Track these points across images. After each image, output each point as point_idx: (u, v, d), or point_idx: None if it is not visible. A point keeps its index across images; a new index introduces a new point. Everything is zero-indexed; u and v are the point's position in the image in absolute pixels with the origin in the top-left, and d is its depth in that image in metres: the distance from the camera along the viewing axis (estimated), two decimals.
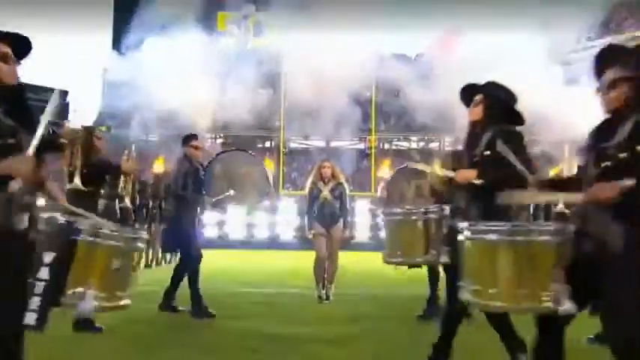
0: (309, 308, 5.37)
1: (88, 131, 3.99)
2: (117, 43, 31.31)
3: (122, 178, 4.81)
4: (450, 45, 30.22)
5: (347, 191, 5.71)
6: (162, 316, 4.75)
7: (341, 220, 5.59)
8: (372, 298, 6.24)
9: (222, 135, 31.87)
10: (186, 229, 4.74)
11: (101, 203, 3.98)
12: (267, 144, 32.13)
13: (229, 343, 3.75)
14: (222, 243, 15.83)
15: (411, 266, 3.92)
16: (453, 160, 3.05)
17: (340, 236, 5.60)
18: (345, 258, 5.82)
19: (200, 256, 4.92)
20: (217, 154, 5.39)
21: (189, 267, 4.79)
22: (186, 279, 4.80)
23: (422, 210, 3.03)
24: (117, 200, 5.13)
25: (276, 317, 4.80)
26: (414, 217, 3.01)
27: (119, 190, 4.94)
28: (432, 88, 31.82)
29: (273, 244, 16.06)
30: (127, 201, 5.30)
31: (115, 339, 3.79)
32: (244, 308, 5.27)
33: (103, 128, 27.50)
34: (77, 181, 3.70)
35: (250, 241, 16.31)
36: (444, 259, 2.85)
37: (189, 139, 4.94)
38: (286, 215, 16.57)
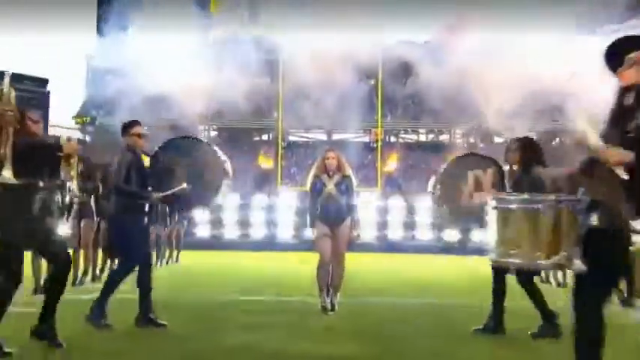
0: (312, 320, 5.06)
1: (21, 112, 3.52)
2: (101, 28, 31.06)
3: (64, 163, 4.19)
4: (458, 32, 29.94)
5: (355, 185, 5.40)
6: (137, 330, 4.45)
7: (348, 219, 5.27)
8: (386, 308, 5.93)
9: (215, 127, 31.81)
10: (129, 228, 4.37)
11: (38, 199, 3.43)
12: (265, 137, 31.89)
13: None
14: (215, 243, 15.57)
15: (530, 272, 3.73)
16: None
17: (347, 236, 5.28)
18: (349, 261, 5.47)
19: (148, 263, 4.58)
20: (165, 142, 5.04)
21: (123, 273, 4.41)
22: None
23: (552, 198, 2.59)
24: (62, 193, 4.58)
25: (274, 331, 4.51)
26: (538, 207, 2.58)
27: (63, 179, 4.36)
28: (442, 76, 31.59)
29: (271, 244, 15.83)
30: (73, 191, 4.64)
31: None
32: (236, 320, 4.97)
33: (87, 119, 27.31)
34: (6, 173, 3.21)
35: (245, 242, 16.01)
36: (579, 265, 2.40)
37: (130, 126, 4.54)
38: (285, 213, 16.21)
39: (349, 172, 5.36)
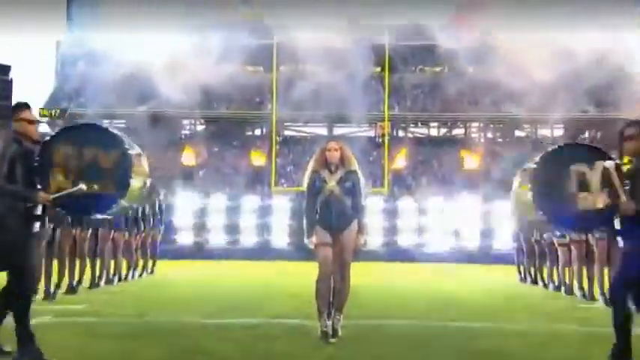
0: (310, 349, 4.45)
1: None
2: (72, 11, 30.65)
3: None
4: (468, 21, 29.72)
5: (362, 183, 4.87)
6: None
7: (354, 223, 4.77)
8: (401, 333, 5.31)
9: (202, 120, 31.42)
10: (14, 238, 3.77)
11: None
12: (258, 131, 31.56)
13: None
14: (200, 252, 15.06)
15: None
16: None
17: (353, 244, 4.79)
18: (353, 272, 4.89)
19: (31, 283, 4.03)
20: (60, 130, 4.69)
21: (20, 294, 3.80)
22: None
23: None
24: None
25: None
26: None
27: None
28: (458, 63, 31.17)
29: (263, 252, 15.44)
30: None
31: None
32: (218, 350, 4.33)
33: (57, 111, 26.89)
34: None
35: (234, 250, 15.49)
36: None
37: (18, 110, 4.02)
38: (280, 216, 15.77)
39: (355, 166, 4.87)
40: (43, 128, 29.54)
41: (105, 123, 29.87)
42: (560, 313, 6.52)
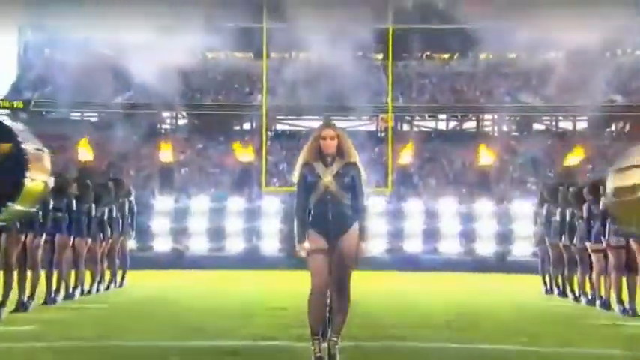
0: None
1: None
2: None
3: None
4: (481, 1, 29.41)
5: (363, 178, 4.48)
6: None
7: (354, 226, 4.37)
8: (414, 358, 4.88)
9: (184, 114, 31.06)
10: None
11: None
12: (247, 125, 31.24)
13: None
14: (179, 260, 14.74)
15: None
16: None
17: (354, 251, 4.37)
18: (353, 282, 4.46)
19: None
20: None
21: None
22: None
23: None
24: None
25: None
26: None
27: None
28: (470, 48, 30.77)
29: (251, 260, 15.06)
30: None
31: None
32: None
33: (19, 103, 26.47)
34: None
35: (219, 257, 15.14)
36: None
37: None
38: (270, 220, 15.33)
39: (356, 158, 4.48)
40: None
41: (75, 116, 29.82)
42: (600, 331, 6.08)
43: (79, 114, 29.22)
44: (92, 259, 8.51)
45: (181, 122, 30.87)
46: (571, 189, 8.47)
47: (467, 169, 25.26)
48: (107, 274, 9.38)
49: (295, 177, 4.49)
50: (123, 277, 9.88)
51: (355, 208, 4.40)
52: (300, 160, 4.47)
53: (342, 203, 4.36)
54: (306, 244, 4.35)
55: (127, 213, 9.51)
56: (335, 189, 4.35)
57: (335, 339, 4.36)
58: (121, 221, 9.33)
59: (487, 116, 30.49)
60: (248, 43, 28.99)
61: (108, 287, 9.32)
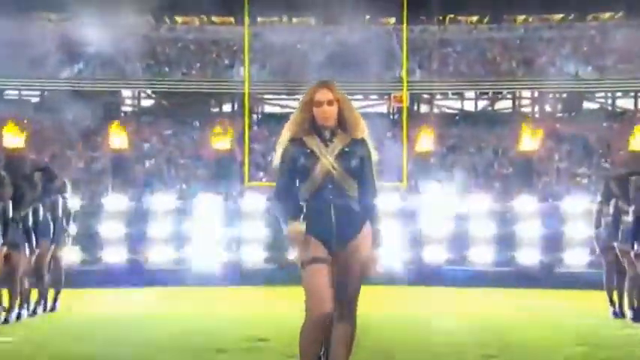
0: None
1: None
2: None
3: None
4: None
5: (374, 159, 4.05)
6: None
7: (366, 227, 3.95)
8: None
9: (152, 93, 30.93)
10: None
11: None
12: (227, 107, 31.18)
13: None
14: (136, 275, 14.24)
15: None
16: None
17: (365, 264, 3.96)
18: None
19: None
20: None
21: None
22: None
23: None
24: None
25: None
26: None
27: None
28: (500, 10, 30.51)
29: (231, 274, 14.49)
30: None
31: None
32: None
33: None
34: None
35: (185, 271, 14.68)
36: None
37: None
38: (254, 222, 14.80)
39: (364, 132, 4.01)
40: None
41: (10, 94, 29.50)
42: None
43: (15, 92, 29.05)
44: (9, 275, 7.93)
45: (145, 103, 30.66)
46: None
47: (501, 159, 25.02)
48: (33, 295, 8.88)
49: (277, 159, 3.99)
50: (55, 299, 9.37)
51: (365, 202, 3.96)
52: (285, 135, 3.96)
53: (348, 196, 3.90)
54: (301, 226, 3.84)
55: (59, 214, 8.91)
56: (339, 175, 3.86)
57: None
58: (52, 225, 8.77)
59: (525, 94, 30.48)
60: (228, 4, 28.80)
61: (34, 312, 8.80)
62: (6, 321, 7.94)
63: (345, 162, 3.87)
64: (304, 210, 3.91)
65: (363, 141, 3.95)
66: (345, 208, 3.89)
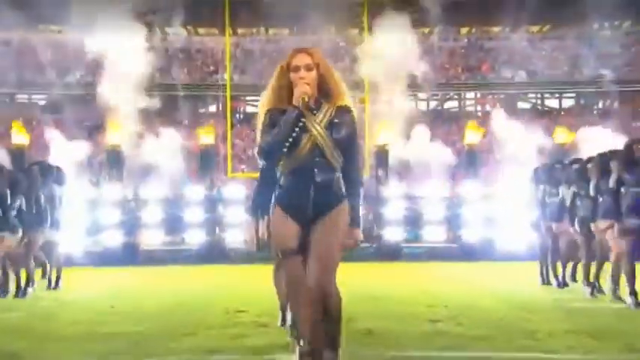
0: None
1: None
2: None
3: None
4: None
5: (356, 127, 3.30)
6: None
7: (344, 202, 3.19)
8: None
9: (147, 93, 30.04)
10: None
11: None
12: (212, 108, 30.34)
13: None
14: (131, 256, 13.82)
15: None
16: None
17: (342, 236, 3.21)
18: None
19: None
20: None
21: None
22: None
23: None
24: None
25: None
26: None
27: None
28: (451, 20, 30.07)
29: (215, 255, 14.20)
30: None
31: None
32: None
33: None
34: None
35: (178, 251, 14.19)
36: None
37: None
38: (235, 208, 14.55)
39: (348, 99, 3.28)
40: None
41: (21, 98, 28.65)
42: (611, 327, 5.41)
43: (25, 96, 28.19)
44: (12, 257, 7.69)
45: (138, 103, 29.81)
46: (575, 166, 7.94)
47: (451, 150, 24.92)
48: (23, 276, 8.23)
49: (259, 123, 3.21)
50: (58, 278, 8.91)
51: (349, 177, 3.21)
52: (264, 105, 3.22)
53: (332, 169, 3.13)
54: (273, 225, 3.19)
55: (56, 202, 8.53)
56: (327, 147, 3.10)
57: (333, 348, 3.24)
58: (49, 212, 8.33)
59: (470, 94, 30.28)
60: (211, 17, 28.09)
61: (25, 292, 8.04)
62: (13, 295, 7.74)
63: (333, 132, 3.14)
64: (281, 181, 3.18)
65: (348, 110, 3.23)
66: (326, 182, 3.14)
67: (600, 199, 6.97)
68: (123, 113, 28.83)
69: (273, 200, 3.21)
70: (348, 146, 3.18)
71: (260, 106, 3.29)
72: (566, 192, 7.89)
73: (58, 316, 6.64)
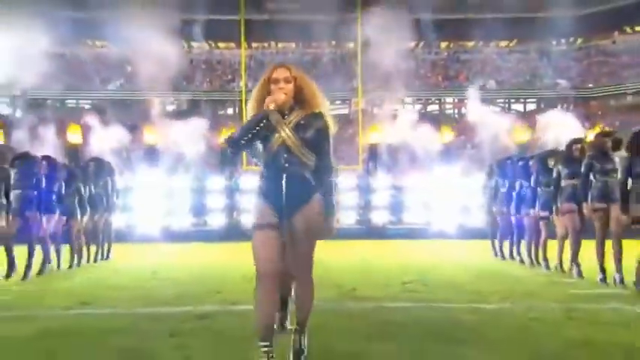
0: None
1: None
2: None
3: None
4: None
5: (332, 132, 3.15)
6: None
7: (316, 196, 3.06)
8: (377, 315, 4.59)
9: (174, 100, 30.30)
10: None
11: None
12: (230, 110, 30.66)
13: None
14: (166, 234, 14.42)
15: None
16: None
17: (315, 227, 3.05)
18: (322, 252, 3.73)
19: None
20: None
21: None
22: None
23: None
24: None
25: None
26: None
27: None
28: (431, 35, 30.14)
29: (232, 234, 14.56)
30: None
31: None
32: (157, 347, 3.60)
33: (16, 91, 25.77)
34: None
35: (203, 231, 14.84)
36: None
37: None
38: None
39: (323, 107, 3.13)
40: (3, 109, 28.44)
41: (70, 102, 29.01)
42: (543, 289, 5.93)
43: (74, 101, 28.51)
44: (68, 234, 8.13)
45: (169, 108, 30.17)
46: (520, 162, 8.27)
47: (430, 148, 25.02)
48: (92, 249, 8.95)
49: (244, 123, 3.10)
50: (109, 251, 9.46)
51: (319, 173, 3.08)
52: (248, 112, 3.15)
53: (302, 165, 3.03)
54: (254, 217, 3.05)
55: (109, 191, 9.02)
56: (294, 145, 3.02)
57: (300, 330, 3.16)
58: (104, 199, 8.88)
59: (449, 99, 30.41)
60: (229, 33, 28.49)
61: (95, 260, 8.93)
62: (70, 267, 8.11)
63: (299, 133, 3.03)
64: (260, 176, 3.12)
65: (319, 114, 3.08)
66: (296, 177, 3.02)
67: (540, 190, 7.30)
68: (155, 114, 29.39)
69: (257, 186, 3.15)
70: (317, 146, 3.06)
71: (248, 108, 3.18)
72: (514, 184, 8.24)
73: (112, 279, 7.22)
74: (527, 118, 25.38)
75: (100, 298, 5.58)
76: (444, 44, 30.29)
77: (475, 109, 19.20)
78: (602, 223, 6.06)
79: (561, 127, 13.91)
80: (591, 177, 6.09)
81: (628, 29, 28.50)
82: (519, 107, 29.83)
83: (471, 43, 30.05)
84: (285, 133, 3.01)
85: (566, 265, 7.06)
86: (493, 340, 3.77)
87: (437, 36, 28.67)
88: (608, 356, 3.40)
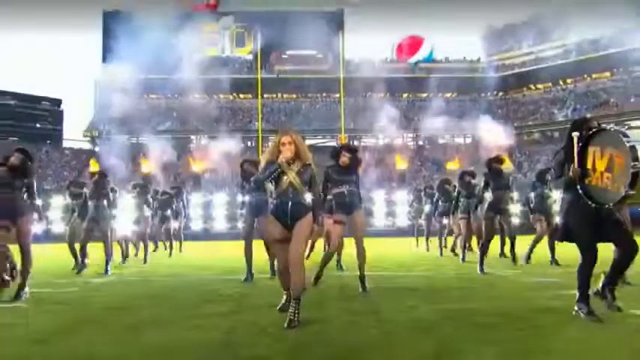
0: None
1: None
2: (106, 56, 30.18)
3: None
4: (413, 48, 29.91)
5: (315, 172, 3.67)
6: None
7: (309, 214, 3.59)
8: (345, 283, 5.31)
9: (208, 136, 31.04)
10: None
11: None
12: (249, 143, 31.41)
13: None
14: (205, 235, 15.06)
15: None
16: None
17: (306, 231, 3.55)
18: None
19: None
20: None
21: None
22: None
23: None
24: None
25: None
26: None
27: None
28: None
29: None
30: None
31: None
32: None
33: (96, 132, 26.38)
34: None
35: (235, 233, 14.95)
36: None
37: None
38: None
39: (310, 159, 3.67)
40: (86, 145, 28.99)
41: (130, 139, 29.52)
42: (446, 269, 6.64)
43: (135, 138, 29.28)
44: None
45: (203, 142, 30.87)
46: (443, 179, 8.89)
47: (390, 171, 24.83)
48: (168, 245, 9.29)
49: (261, 167, 3.58)
50: (180, 246, 9.98)
51: (311, 199, 3.71)
52: (264, 157, 3.61)
53: (300, 195, 3.58)
54: (270, 231, 3.55)
55: (185, 204, 9.87)
56: (297, 184, 3.58)
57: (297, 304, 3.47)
58: (183, 210, 9.71)
59: (409, 134, 30.90)
60: (247, 87, 29.60)
61: (170, 254, 9.04)
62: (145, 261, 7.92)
63: (300, 177, 3.59)
64: (274, 201, 3.63)
65: (309, 165, 3.62)
66: (297, 203, 3.56)
67: (461, 200, 7.57)
68: (195, 148, 30.06)
69: (268, 208, 3.87)
70: (309, 182, 3.62)
71: (262, 156, 3.65)
72: (448, 195, 8.50)
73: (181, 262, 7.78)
74: (467, 150, 26.09)
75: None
76: (404, 95, 31.36)
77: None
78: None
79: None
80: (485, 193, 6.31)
81: (532, 87, 30.14)
82: (461, 140, 30.67)
83: (424, 95, 31.15)
84: (292, 177, 3.57)
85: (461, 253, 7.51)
86: (425, 290, 4.73)
87: (398, 90, 29.50)
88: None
